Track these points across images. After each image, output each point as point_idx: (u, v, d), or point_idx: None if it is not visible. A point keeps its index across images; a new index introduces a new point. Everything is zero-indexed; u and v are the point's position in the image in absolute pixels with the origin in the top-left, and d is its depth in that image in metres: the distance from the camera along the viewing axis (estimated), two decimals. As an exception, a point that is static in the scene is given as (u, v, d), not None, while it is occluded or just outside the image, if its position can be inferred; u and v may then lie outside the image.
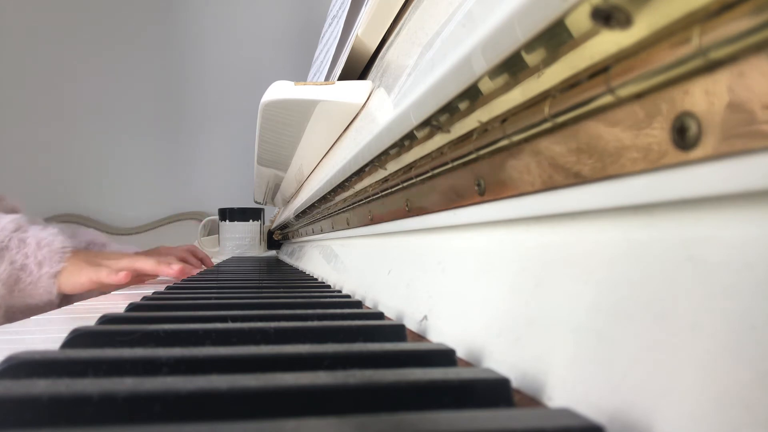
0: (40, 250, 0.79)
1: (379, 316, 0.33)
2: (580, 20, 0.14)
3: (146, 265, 0.82)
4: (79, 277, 0.81)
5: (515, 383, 0.19)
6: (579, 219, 0.19)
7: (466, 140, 0.24)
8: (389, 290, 0.38)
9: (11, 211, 0.95)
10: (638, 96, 0.14)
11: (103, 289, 0.84)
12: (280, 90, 0.56)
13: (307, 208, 0.78)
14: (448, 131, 0.25)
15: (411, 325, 0.31)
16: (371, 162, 0.38)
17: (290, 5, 2.14)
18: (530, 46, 0.17)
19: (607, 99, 0.15)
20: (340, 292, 0.50)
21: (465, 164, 0.26)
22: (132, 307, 0.38)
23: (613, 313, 0.16)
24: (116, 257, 0.86)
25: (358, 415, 0.14)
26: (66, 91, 2.06)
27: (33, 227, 0.81)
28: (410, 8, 0.51)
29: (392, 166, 0.36)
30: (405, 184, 0.35)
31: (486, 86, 0.21)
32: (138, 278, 0.84)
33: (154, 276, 0.84)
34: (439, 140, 0.27)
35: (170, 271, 0.82)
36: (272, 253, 1.55)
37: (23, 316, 0.83)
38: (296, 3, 2.14)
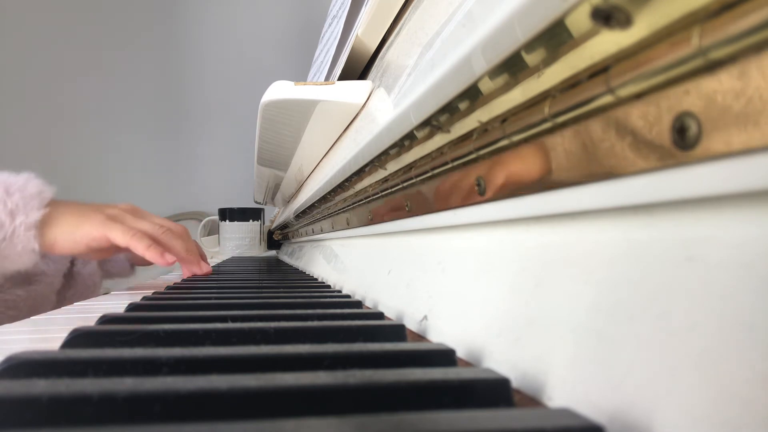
0: (11, 197, 0.61)
1: (379, 316, 0.33)
2: (580, 20, 0.14)
3: (175, 245, 0.65)
4: (77, 230, 0.62)
5: (515, 383, 0.19)
6: (579, 219, 0.19)
7: (466, 140, 0.24)
8: (389, 290, 0.38)
9: None
10: (638, 96, 0.14)
11: (105, 256, 0.66)
12: (280, 90, 0.56)
13: (307, 208, 0.78)
14: (448, 131, 0.25)
15: (411, 325, 0.31)
16: (371, 162, 0.38)
17: (290, 5, 2.14)
18: (530, 46, 0.17)
19: (607, 99, 0.15)
20: (340, 292, 0.50)
21: (465, 164, 0.26)
22: (132, 307, 0.38)
23: (613, 313, 0.16)
24: (135, 213, 0.66)
25: (358, 415, 0.14)
26: (66, 91, 2.06)
27: (2, 173, 0.64)
28: (410, 8, 0.51)
29: (392, 166, 0.36)
30: (405, 184, 0.35)
31: (486, 86, 0.21)
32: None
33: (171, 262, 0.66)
34: (439, 140, 0.27)
35: (197, 269, 0.67)
36: (272, 253, 1.55)
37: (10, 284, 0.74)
38: (296, 3, 2.14)
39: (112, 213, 0.65)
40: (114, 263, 0.89)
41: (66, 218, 0.63)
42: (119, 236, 0.62)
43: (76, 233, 0.62)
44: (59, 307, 0.53)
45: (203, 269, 0.70)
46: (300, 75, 1.53)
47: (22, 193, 0.62)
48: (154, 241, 0.64)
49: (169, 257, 0.64)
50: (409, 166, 0.33)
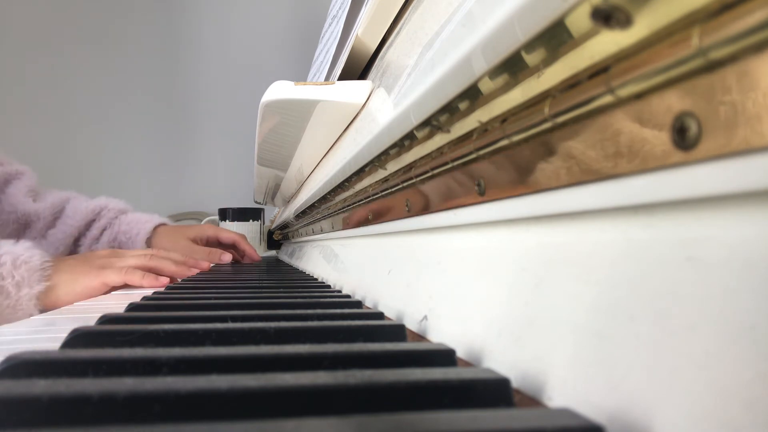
0: (17, 269, 0.70)
1: (379, 316, 0.33)
2: (580, 20, 0.14)
3: (164, 266, 0.74)
4: (76, 285, 0.72)
5: (515, 383, 0.19)
6: (579, 219, 0.19)
7: (466, 140, 0.24)
8: (389, 290, 0.38)
9: (14, 175, 0.93)
10: (638, 96, 0.14)
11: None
12: (280, 90, 0.56)
13: (307, 208, 0.78)
14: (448, 131, 0.25)
15: (411, 325, 0.31)
16: (371, 162, 0.38)
17: (290, 5, 2.14)
18: (530, 46, 0.17)
19: (607, 99, 0.15)
20: (340, 292, 0.50)
21: (465, 164, 0.26)
22: (132, 307, 0.38)
23: (613, 313, 0.16)
24: (118, 255, 0.76)
25: (358, 415, 0.14)
26: (66, 92, 2.06)
27: (3, 242, 0.72)
28: (410, 8, 0.51)
29: (392, 166, 0.36)
30: (405, 184, 0.35)
31: (486, 86, 0.21)
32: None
33: (173, 279, 0.75)
34: (439, 140, 0.27)
35: (191, 273, 0.75)
36: (272, 253, 1.55)
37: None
38: (296, 3, 2.14)
39: (100, 262, 0.74)
40: None
41: (64, 277, 0.72)
42: (114, 278, 0.71)
43: (76, 288, 0.72)
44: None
45: (194, 271, 0.78)
46: (300, 75, 1.53)
47: (28, 265, 0.70)
48: (146, 269, 0.73)
49: (163, 279, 0.73)
50: (409, 166, 0.33)
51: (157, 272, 0.74)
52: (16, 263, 0.70)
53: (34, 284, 0.70)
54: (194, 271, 0.78)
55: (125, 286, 0.73)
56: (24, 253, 0.71)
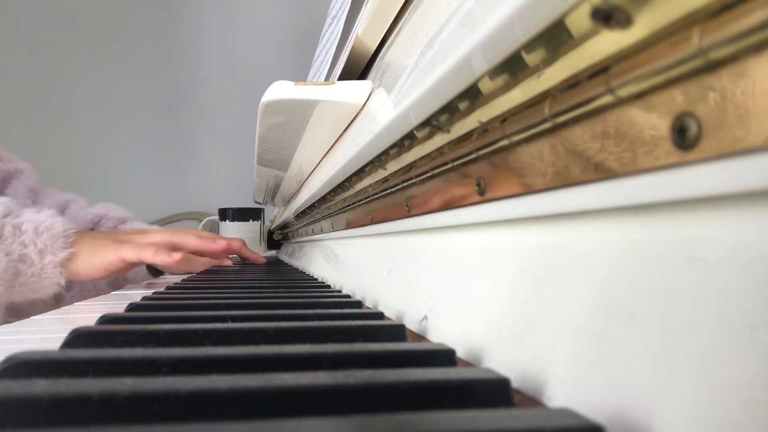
0: (39, 237, 0.68)
1: (379, 316, 0.33)
2: (580, 20, 0.14)
3: (186, 239, 0.76)
4: (94, 258, 0.71)
5: (515, 383, 0.19)
6: (579, 219, 0.19)
7: (466, 140, 0.24)
8: (389, 290, 0.38)
9: (14, 173, 0.93)
10: (638, 96, 0.14)
11: (122, 273, 0.77)
12: (280, 90, 0.56)
13: (307, 208, 0.78)
14: (448, 131, 0.25)
15: (411, 325, 0.31)
16: (371, 162, 0.38)
17: (290, 5, 2.14)
18: (530, 46, 0.17)
19: (607, 99, 0.15)
20: (340, 292, 0.50)
21: (465, 164, 0.26)
22: (132, 307, 0.38)
23: (613, 313, 0.16)
24: (143, 232, 0.78)
25: (358, 415, 0.14)
26: (66, 92, 2.06)
27: (26, 210, 0.70)
28: (410, 8, 0.51)
29: (392, 166, 0.36)
30: (405, 184, 0.35)
31: (486, 86, 0.21)
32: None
33: (195, 252, 0.77)
34: (439, 140, 0.27)
35: (216, 246, 0.78)
36: (272, 253, 1.55)
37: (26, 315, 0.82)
38: (296, 3, 2.14)
39: (123, 238, 0.75)
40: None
41: (84, 249, 0.71)
42: (129, 253, 0.72)
43: (94, 261, 0.72)
44: (58, 308, 0.54)
45: (217, 244, 0.81)
46: (300, 75, 1.53)
47: (51, 232, 0.69)
48: (163, 246, 0.74)
49: (175, 255, 0.73)
50: (409, 166, 0.33)
51: (180, 247, 0.75)
52: (38, 230, 0.68)
53: (58, 251, 0.68)
54: (217, 244, 0.79)
55: (142, 262, 0.74)
56: (46, 219, 0.69)
